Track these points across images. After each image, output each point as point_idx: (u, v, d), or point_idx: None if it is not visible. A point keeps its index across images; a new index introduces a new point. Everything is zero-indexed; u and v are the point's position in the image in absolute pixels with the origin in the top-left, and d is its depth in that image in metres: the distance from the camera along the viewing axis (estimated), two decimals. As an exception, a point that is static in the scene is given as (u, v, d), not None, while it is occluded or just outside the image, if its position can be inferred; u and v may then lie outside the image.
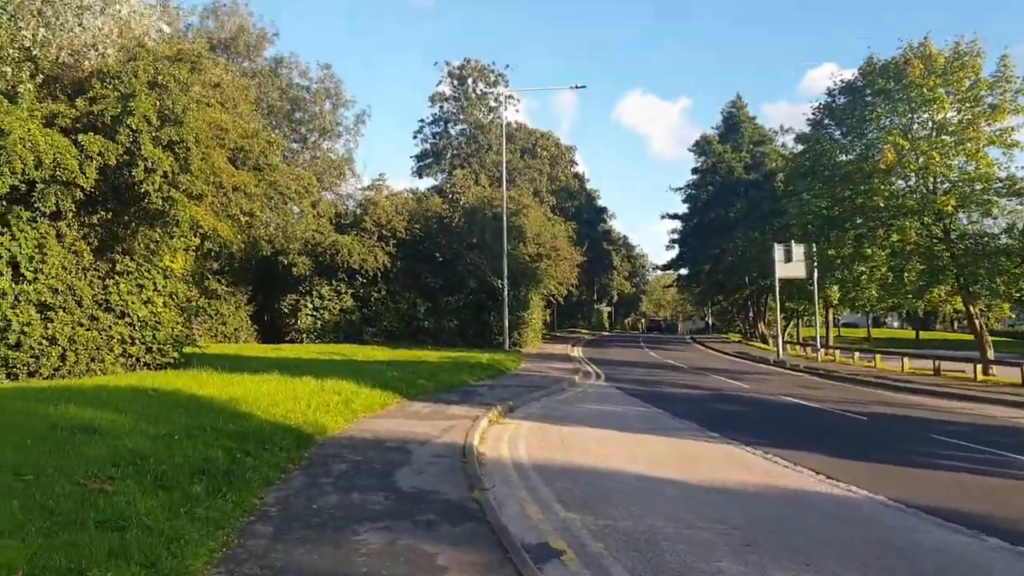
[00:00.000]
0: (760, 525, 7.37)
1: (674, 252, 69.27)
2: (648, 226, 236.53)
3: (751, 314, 64.46)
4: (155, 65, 15.85)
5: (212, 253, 25.25)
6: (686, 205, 63.91)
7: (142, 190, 15.57)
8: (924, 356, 32.82)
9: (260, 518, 6.57)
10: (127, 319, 16.55)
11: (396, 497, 7.53)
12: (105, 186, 16.19)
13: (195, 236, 18.95)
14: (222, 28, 37.87)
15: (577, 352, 40.29)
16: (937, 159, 25.18)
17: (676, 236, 66.51)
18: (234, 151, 20.95)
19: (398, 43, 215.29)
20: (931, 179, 26.65)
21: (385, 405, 14.84)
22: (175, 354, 17.59)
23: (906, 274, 28.48)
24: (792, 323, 61.99)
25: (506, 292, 36.62)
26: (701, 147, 61.96)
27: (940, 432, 14.02)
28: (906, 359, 30.15)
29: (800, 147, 31.68)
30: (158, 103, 15.62)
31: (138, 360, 16.98)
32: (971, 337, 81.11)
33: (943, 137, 26.20)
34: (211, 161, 17.34)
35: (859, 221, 28.95)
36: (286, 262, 34.20)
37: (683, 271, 72.66)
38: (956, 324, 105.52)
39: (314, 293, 36.72)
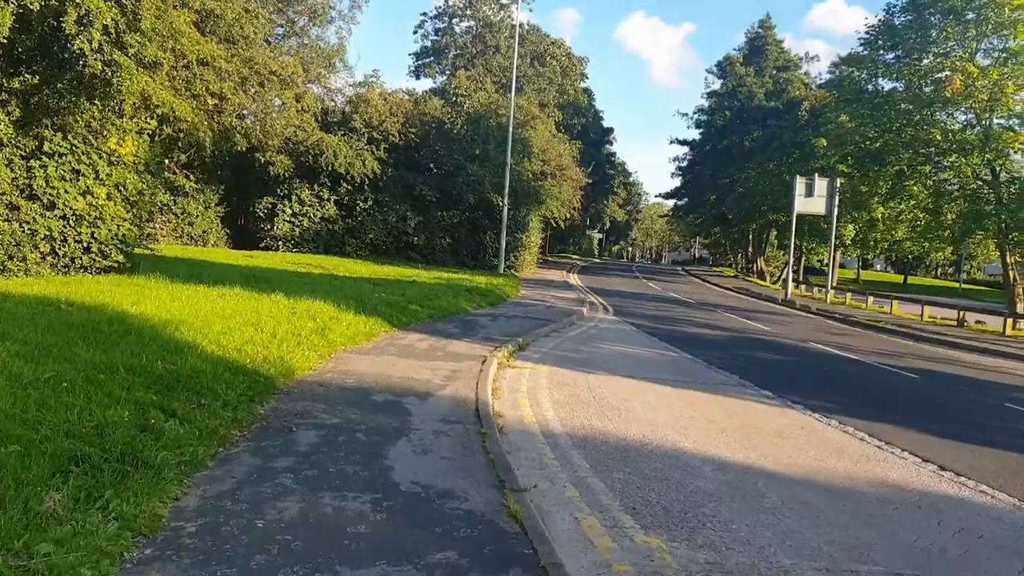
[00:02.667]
0: (928, 567, 4.93)
1: (677, 181, 66.16)
2: (644, 155, 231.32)
3: (750, 249, 61.97)
4: None
5: (178, 143, 21.87)
6: (698, 131, 60.15)
7: (76, 48, 12.26)
8: (937, 304, 31.04)
9: (150, 563, 3.79)
10: (57, 211, 13.49)
11: (391, 504, 4.90)
12: (30, 41, 12.87)
13: (151, 117, 15.68)
14: None
15: (575, 280, 37.77)
16: (1012, 89, 22.14)
17: (684, 163, 63.03)
18: (201, 14, 17.32)
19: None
20: (994, 114, 23.63)
21: (371, 336, 12.17)
22: (119, 257, 14.62)
23: (943, 216, 25.84)
24: (796, 261, 59.81)
25: (505, 211, 33.61)
26: (723, 68, 57.72)
27: (1010, 399, 12.42)
28: (926, 307, 28.07)
29: (844, 69, 28.16)
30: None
31: (72, 261, 14.02)
32: (955, 285, 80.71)
33: (1020, 64, 23.04)
34: (169, 21, 13.87)
35: (906, 155, 25.99)
36: (263, 160, 30.73)
37: (683, 200, 69.57)
38: (940, 272, 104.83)
39: (293, 197, 33.45)
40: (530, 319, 17.46)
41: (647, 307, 25.51)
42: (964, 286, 75.84)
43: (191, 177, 28.38)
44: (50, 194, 13.41)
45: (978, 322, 26.22)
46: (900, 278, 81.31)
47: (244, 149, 29.54)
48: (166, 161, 20.98)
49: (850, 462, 7.54)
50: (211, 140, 22.30)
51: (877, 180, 27.10)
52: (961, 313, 25.23)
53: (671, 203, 74.20)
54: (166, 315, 9.93)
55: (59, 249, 13.73)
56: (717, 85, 59.36)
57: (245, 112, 27.53)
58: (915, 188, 25.69)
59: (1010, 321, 23.19)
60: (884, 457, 7.88)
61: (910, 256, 71.16)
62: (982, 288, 77.64)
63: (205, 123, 19.01)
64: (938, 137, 23.92)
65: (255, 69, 21.78)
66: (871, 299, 32.00)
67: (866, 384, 13.30)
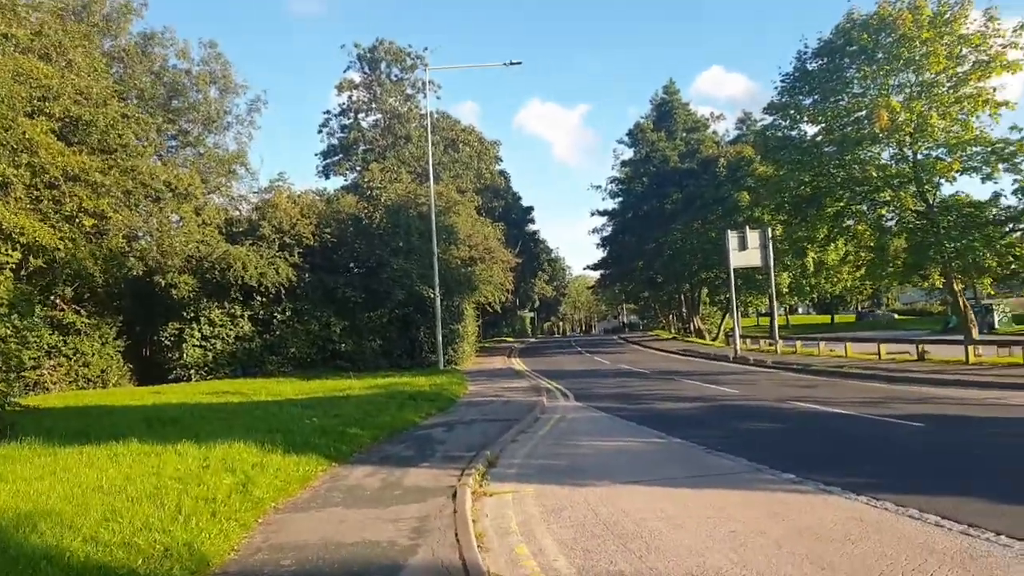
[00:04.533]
0: None
1: (602, 252, 65.95)
2: (559, 230, 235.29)
3: (684, 309, 61.72)
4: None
5: (57, 274, 19.07)
6: (617, 200, 60.33)
7: None
8: (869, 340, 31.38)
9: None
10: None
11: None
12: None
13: (12, 248, 13.15)
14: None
15: (520, 364, 35.81)
16: (935, 120, 22.17)
17: (607, 233, 62.85)
18: (64, 122, 15.01)
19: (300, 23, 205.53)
20: (920, 145, 23.68)
21: (308, 480, 9.79)
22: (-20, 421, 11.83)
23: (887, 252, 25.49)
24: (727, 315, 59.79)
25: (438, 302, 31.63)
26: (634, 136, 58.42)
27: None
28: (882, 345, 27.46)
29: (765, 118, 28.18)
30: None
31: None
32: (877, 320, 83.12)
33: (938, 94, 23.26)
34: (21, 131, 11.57)
35: (844, 195, 25.74)
36: (164, 282, 27.89)
37: (608, 270, 69.35)
38: (859, 306, 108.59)
39: (202, 319, 30.44)
40: (490, 422, 15.30)
41: (605, 385, 23.78)
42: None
43: (82, 312, 25.33)
44: None
45: (936, 355, 25.60)
46: (827, 318, 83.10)
47: (141, 273, 26.80)
48: (41, 298, 18.08)
49: (958, 568, 5.76)
50: (98, 267, 19.58)
51: (815, 224, 26.77)
52: (920, 347, 24.55)
53: (597, 274, 73.94)
54: (25, 504, 7.38)
55: None
56: (629, 154, 60.18)
57: (137, 232, 24.92)
58: (860, 228, 25.36)
59: (971, 348, 22.53)
60: (990, 551, 6.16)
61: (830, 296, 72.83)
62: (907, 317, 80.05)
63: (84, 248, 16.42)
64: (873, 174, 23.76)
65: (141, 181, 19.38)
66: (823, 344, 31.33)
67: (879, 445, 11.70)
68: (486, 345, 57.96)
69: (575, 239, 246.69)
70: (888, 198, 24.65)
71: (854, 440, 12.18)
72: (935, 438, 11.81)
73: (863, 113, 24.09)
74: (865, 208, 25.67)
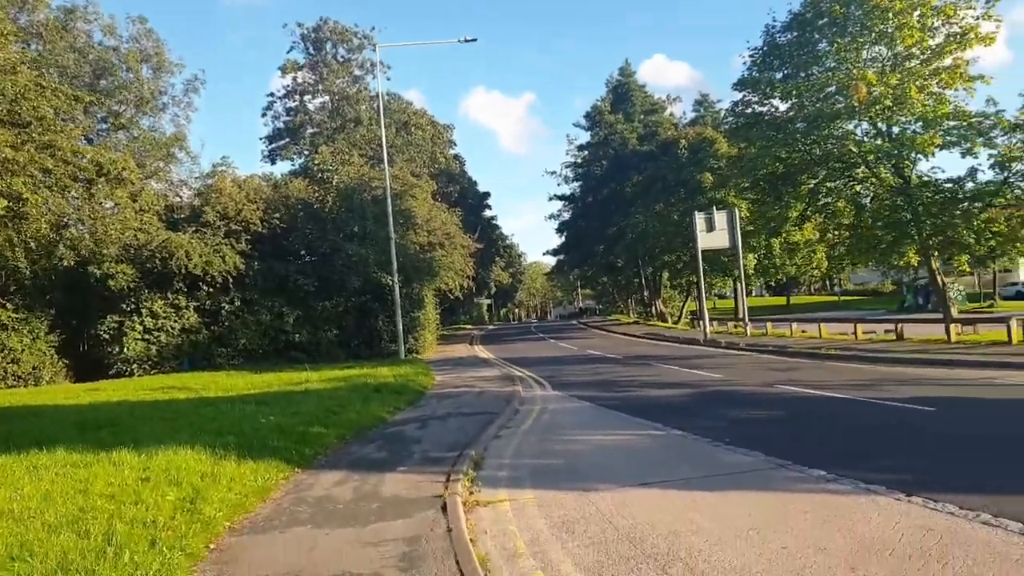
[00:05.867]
0: None
1: (561, 238, 65.03)
2: (509, 220, 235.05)
3: (646, 293, 61.18)
4: None
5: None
6: (576, 184, 59.31)
7: None
8: (842, 320, 31.59)
9: None
10: None
11: None
12: None
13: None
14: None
15: (484, 352, 34.54)
16: (914, 93, 21.52)
17: (566, 218, 61.81)
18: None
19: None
20: (898, 119, 23.05)
21: (267, 491, 8.39)
22: None
23: (863, 230, 24.94)
24: (689, 298, 59.54)
25: (397, 289, 30.07)
26: (592, 119, 57.37)
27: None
28: (859, 325, 27.05)
29: (739, 95, 27.18)
30: None
31: None
32: (833, 298, 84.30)
33: (914, 67, 22.65)
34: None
35: (822, 172, 25.05)
36: (100, 273, 25.75)
37: (567, 255, 68.45)
38: (811, 288, 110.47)
39: (144, 311, 28.33)
40: (466, 416, 14.02)
41: (579, 372, 22.70)
42: (843, 298, 79.07)
43: (8, 306, 23.06)
44: None
45: (916, 334, 25.20)
46: (782, 300, 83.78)
47: (73, 264, 24.62)
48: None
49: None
50: (21, 256, 17.53)
51: (789, 203, 26.08)
52: (899, 326, 24.10)
53: (553, 261, 73.08)
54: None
55: None
56: (586, 137, 59.22)
57: (66, 218, 22.78)
58: (840, 205, 24.69)
59: (954, 327, 22.10)
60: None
61: (786, 278, 73.42)
62: (859, 298, 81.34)
63: (0, 234, 14.48)
64: (852, 149, 23.08)
65: (63, 158, 17.26)
66: (795, 326, 30.85)
67: (899, 433, 10.68)
68: (445, 333, 56.53)
69: (525, 227, 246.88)
70: (864, 175, 24.04)
71: (868, 429, 11.19)
72: (955, 425, 10.91)
73: (837, 87, 23.36)
74: (842, 185, 25.05)
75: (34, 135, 15.41)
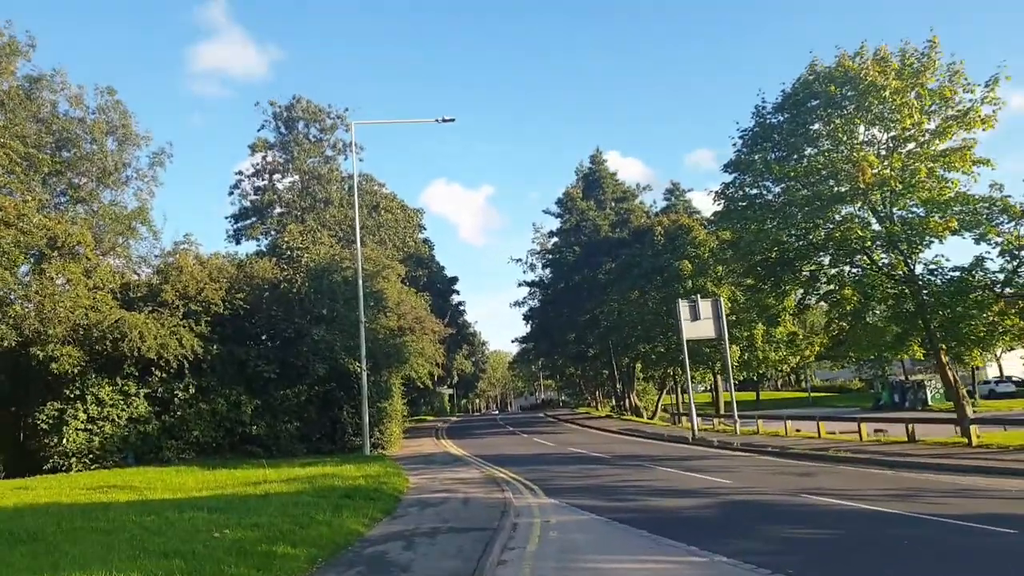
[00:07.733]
0: None
1: (527, 326, 63.77)
2: (471, 307, 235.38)
3: (619, 385, 59.58)
4: None
5: None
6: (546, 270, 58.64)
7: None
8: (834, 418, 30.64)
9: None
10: None
11: None
12: None
13: None
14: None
15: (455, 448, 32.34)
16: (923, 174, 21.08)
17: (534, 304, 60.77)
18: None
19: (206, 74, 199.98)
20: (904, 203, 22.56)
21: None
22: None
23: (871, 320, 24.13)
24: (667, 391, 58.09)
25: (365, 377, 28.02)
26: (563, 205, 57.47)
27: None
28: (863, 424, 25.84)
29: (730, 177, 26.71)
30: None
31: None
32: (803, 394, 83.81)
33: (918, 151, 22.35)
34: None
35: (826, 258, 24.32)
36: (43, 355, 23.33)
37: (533, 344, 66.99)
38: (779, 383, 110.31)
39: (88, 397, 25.63)
40: (457, 532, 12.03)
41: (569, 474, 20.80)
42: (812, 394, 78.54)
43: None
44: None
45: (928, 436, 23.96)
46: (751, 395, 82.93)
47: (13, 344, 22.30)
48: None
49: None
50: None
51: (786, 290, 25.27)
52: (911, 427, 22.85)
53: (516, 349, 71.62)
54: None
55: None
56: (555, 224, 59.09)
57: (10, 294, 20.64)
58: (846, 292, 23.78)
59: (973, 428, 20.84)
60: None
61: (757, 373, 72.92)
62: (828, 394, 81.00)
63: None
64: (859, 233, 22.41)
65: (9, 222, 15.44)
66: (789, 423, 29.50)
67: (995, 563, 8.93)
68: (408, 425, 53.89)
69: (485, 316, 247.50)
70: (865, 264, 23.37)
71: (956, 556, 9.38)
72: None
73: (835, 169, 22.93)
74: (845, 271, 24.33)
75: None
